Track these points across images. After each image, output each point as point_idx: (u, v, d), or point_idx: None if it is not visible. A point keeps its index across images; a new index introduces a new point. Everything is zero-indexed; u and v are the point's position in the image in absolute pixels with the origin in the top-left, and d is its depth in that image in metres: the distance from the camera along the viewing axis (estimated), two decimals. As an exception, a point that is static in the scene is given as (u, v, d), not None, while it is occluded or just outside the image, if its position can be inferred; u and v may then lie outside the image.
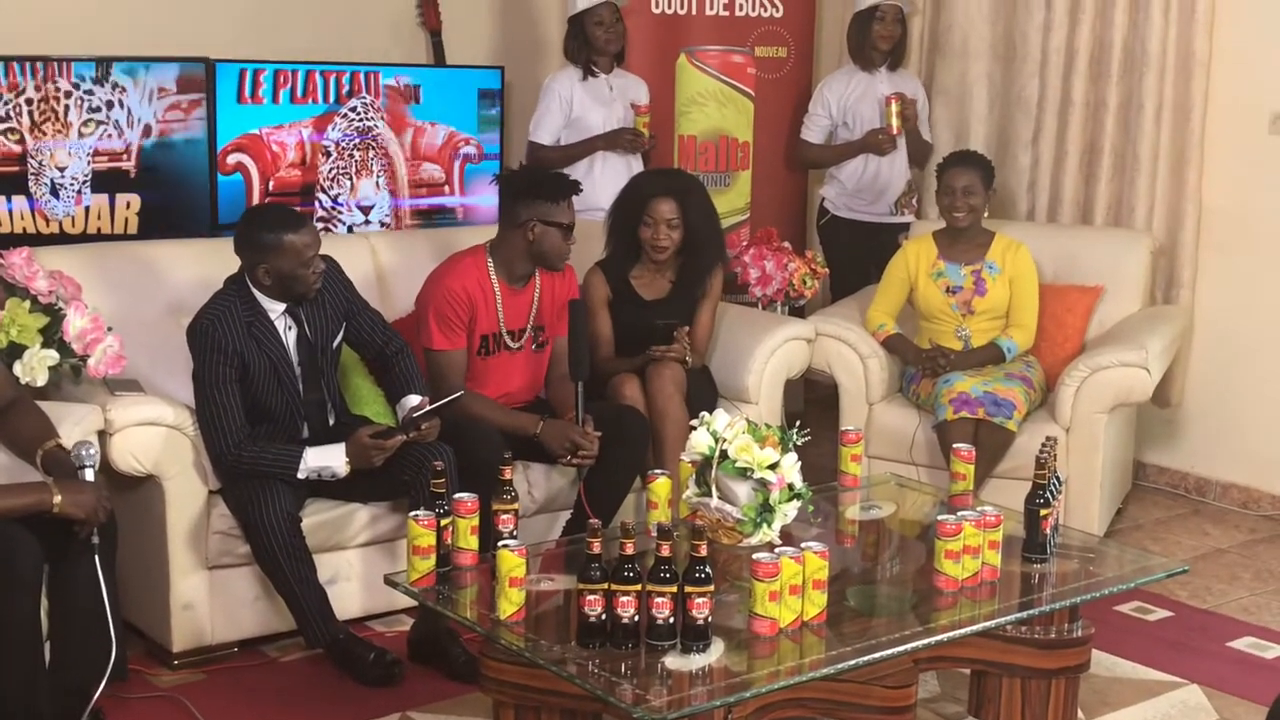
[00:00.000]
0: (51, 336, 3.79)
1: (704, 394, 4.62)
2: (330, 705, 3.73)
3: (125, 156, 4.86)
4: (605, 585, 2.93)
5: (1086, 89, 5.57)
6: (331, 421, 4.04)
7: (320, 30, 5.47)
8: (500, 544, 3.11)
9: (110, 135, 4.78)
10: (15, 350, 3.73)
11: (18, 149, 4.64)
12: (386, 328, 4.17)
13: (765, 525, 3.44)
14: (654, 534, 3.09)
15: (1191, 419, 5.58)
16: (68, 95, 4.67)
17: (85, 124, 4.72)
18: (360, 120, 5.29)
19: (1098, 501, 4.78)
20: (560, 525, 4.33)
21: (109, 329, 3.87)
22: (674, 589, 2.92)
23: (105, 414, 3.70)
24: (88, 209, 4.82)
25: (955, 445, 3.91)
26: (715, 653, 2.95)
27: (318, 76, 5.17)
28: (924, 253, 5.01)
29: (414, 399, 4.03)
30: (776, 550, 3.07)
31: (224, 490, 3.89)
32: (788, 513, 3.47)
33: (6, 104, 4.59)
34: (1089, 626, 3.49)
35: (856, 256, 5.73)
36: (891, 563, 3.78)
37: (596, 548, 2.94)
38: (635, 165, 5.50)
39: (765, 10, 6.05)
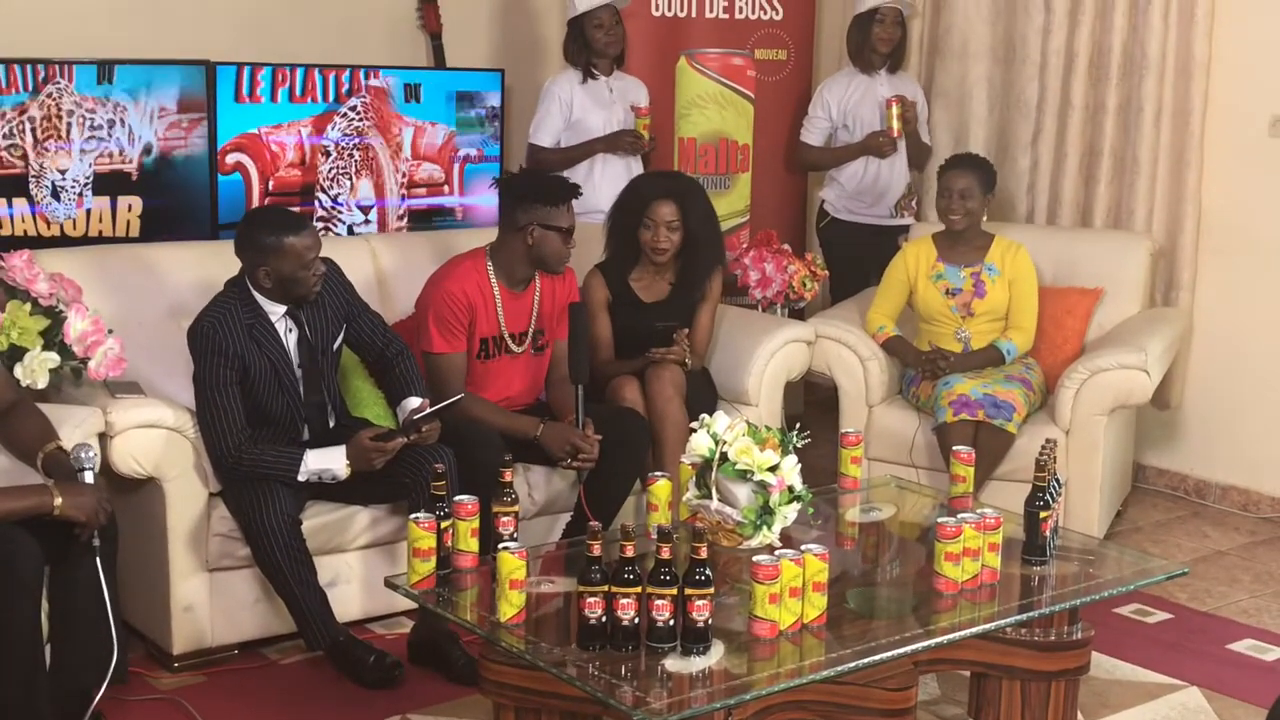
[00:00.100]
0: (52, 339, 3.79)
1: (704, 396, 4.62)
2: (330, 707, 3.73)
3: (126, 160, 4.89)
4: (605, 587, 2.93)
5: (1086, 91, 5.57)
6: (332, 424, 4.04)
7: (320, 33, 5.47)
8: (500, 546, 3.11)
9: (112, 154, 4.80)
10: (16, 353, 3.73)
11: (21, 164, 4.66)
12: (387, 330, 4.17)
13: (765, 527, 3.44)
14: (654, 536, 3.09)
15: (1191, 421, 5.58)
16: (70, 114, 4.69)
17: (87, 141, 4.74)
18: (360, 120, 5.29)
19: (1097, 504, 4.78)
20: (560, 528, 4.34)
21: (109, 331, 3.87)
22: (674, 591, 2.92)
23: (106, 416, 3.70)
24: (89, 212, 4.82)
25: (955, 447, 3.91)
26: (715, 655, 2.95)
27: (316, 75, 5.17)
28: (923, 255, 5.01)
29: (414, 401, 4.03)
30: (776, 552, 3.07)
31: (224, 492, 3.89)
32: (788, 515, 3.47)
33: (10, 123, 4.61)
34: (1089, 629, 3.49)
35: (856, 259, 5.73)
36: (891, 565, 3.78)
37: (597, 550, 2.95)
38: (635, 167, 5.50)
39: (765, 13, 6.05)
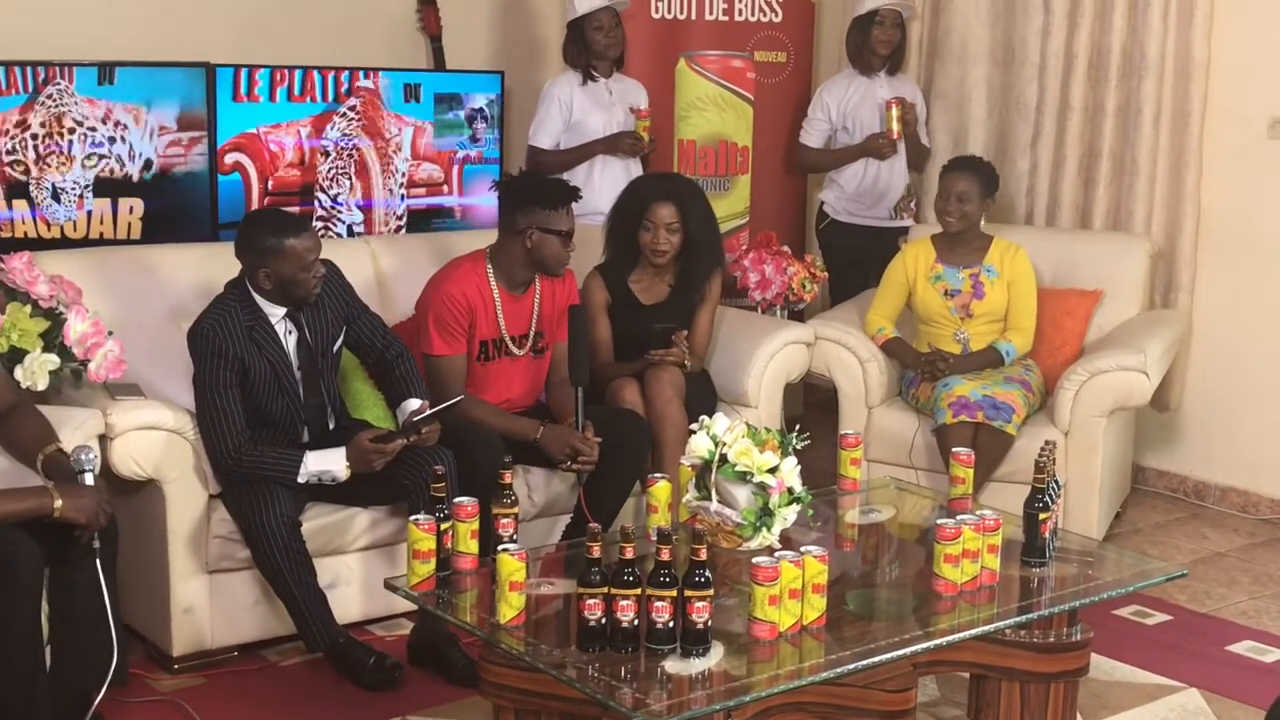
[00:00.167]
0: (52, 341, 3.79)
1: (703, 398, 4.62)
2: (330, 709, 3.74)
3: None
4: (605, 589, 2.94)
5: (1085, 93, 5.58)
6: (332, 425, 4.04)
7: (320, 35, 5.47)
8: (500, 548, 3.11)
9: (113, 170, 4.80)
10: (16, 355, 3.73)
11: (23, 179, 4.67)
12: (387, 332, 4.17)
13: (765, 529, 3.44)
14: (654, 538, 3.10)
15: (1190, 423, 5.58)
16: (71, 131, 4.70)
17: (88, 157, 4.75)
18: (359, 119, 5.29)
19: (1096, 505, 4.79)
20: (560, 529, 4.34)
21: (109, 333, 3.88)
22: (674, 593, 2.92)
23: (106, 418, 3.71)
24: (89, 214, 4.83)
25: (954, 449, 3.92)
26: (715, 657, 2.96)
27: (315, 75, 5.17)
28: (922, 256, 5.02)
29: (414, 403, 4.03)
30: (776, 554, 3.08)
31: (224, 494, 3.89)
32: (787, 516, 3.47)
33: (12, 139, 4.62)
34: (1088, 630, 3.49)
35: (856, 260, 5.73)
36: (891, 566, 3.78)
37: (596, 552, 2.95)
38: (635, 169, 5.51)
39: (765, 15, 6.06)
